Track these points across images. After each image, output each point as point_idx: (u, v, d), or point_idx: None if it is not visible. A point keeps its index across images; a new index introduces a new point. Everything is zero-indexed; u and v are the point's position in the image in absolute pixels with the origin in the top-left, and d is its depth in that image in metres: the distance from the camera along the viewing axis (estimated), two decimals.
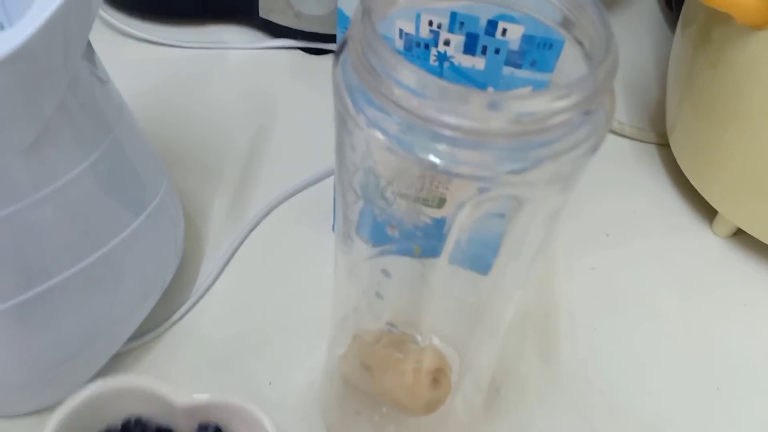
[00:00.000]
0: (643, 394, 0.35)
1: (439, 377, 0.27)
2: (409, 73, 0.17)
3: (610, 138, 0.47)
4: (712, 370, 0.36)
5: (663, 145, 0.46)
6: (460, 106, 0.17)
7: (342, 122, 0.20)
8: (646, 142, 0.47)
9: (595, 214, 0.42)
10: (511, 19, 0.26)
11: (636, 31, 0.55)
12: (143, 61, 0.48)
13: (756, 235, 0.39)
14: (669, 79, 0.42)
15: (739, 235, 0.41)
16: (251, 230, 0.39)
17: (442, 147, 0.18)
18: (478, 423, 0.33)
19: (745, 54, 0.34)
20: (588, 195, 0.43)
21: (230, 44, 0.50)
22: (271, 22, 0.49)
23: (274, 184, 0.41)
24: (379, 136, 0.18)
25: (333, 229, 0.39)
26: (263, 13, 0.48)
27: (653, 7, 0.57)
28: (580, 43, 0.21)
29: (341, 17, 0.30)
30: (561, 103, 0.17)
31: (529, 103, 0.17)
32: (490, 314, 0.31)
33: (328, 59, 0.48)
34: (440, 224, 0.25)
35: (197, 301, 0.36)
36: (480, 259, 0.27)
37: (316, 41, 0.49)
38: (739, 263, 0.41)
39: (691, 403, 0.34)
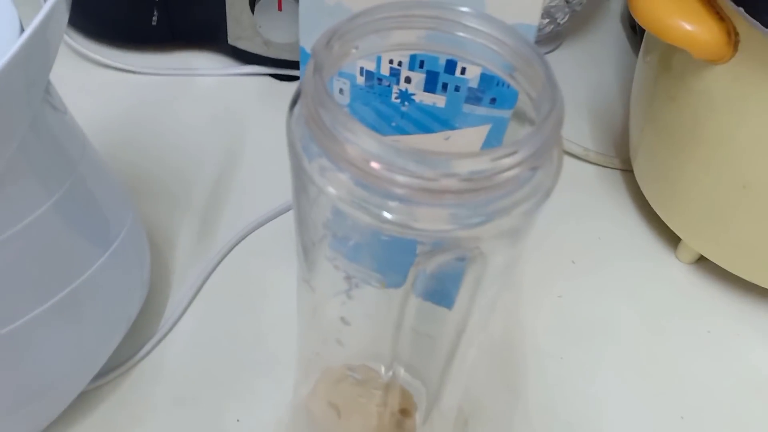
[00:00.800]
0: (608, 424, 0.35)
1: (404, 418, 0.27)
2: (360, 133, 0.17)
3: (576, 164, 0.48)
4: (677, 398, 0.36)
5: (628, 170, 0.46)
6: (411, 165, 0.17)
7: (296, 173, 0.20)
8: (611, 167, 0.47)
9: (561, 241, 0.43)
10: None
11: (601, 55, 0.56)
12: (111, 88, 0.48)
13: (718, 263, 0.40)
14: (631, 107, 0.43)
15: (703, 261, 0.42)
16: (219, 262, 0.39)
17: (393, 204, 0.18)
18: None
19: (702, 87, 0.34)
20: (554, 222, 0.44)
21: (199, 70, 0.50)
22: (239, 49, 0.49)
23: (243, 213, 0.41)
24: (332, 191, 0.19)
25: None
26: (232, 40, 0.48)
27: (618, 31, 0.58)
28: (529, 95, 0.21)
29: (303, 55, 0.30)
30: (508, 161, 0.17)
31: (477, 162, 0.17)
32: (456, 349, 0.31)
33: (296, 85, 0.48)
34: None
35: (164, 337, 0.36)
36: (444, 293, 0.27)
37: (285, 68, 0.49)
38: (703, 290, 0.41)
39: None
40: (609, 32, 0.57)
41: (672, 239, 0.43)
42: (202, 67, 0.50)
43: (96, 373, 0.32)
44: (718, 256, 0.40)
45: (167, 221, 0.41)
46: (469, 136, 0.29)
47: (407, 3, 0.20)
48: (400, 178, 0.17)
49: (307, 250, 0.24)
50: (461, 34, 0.21)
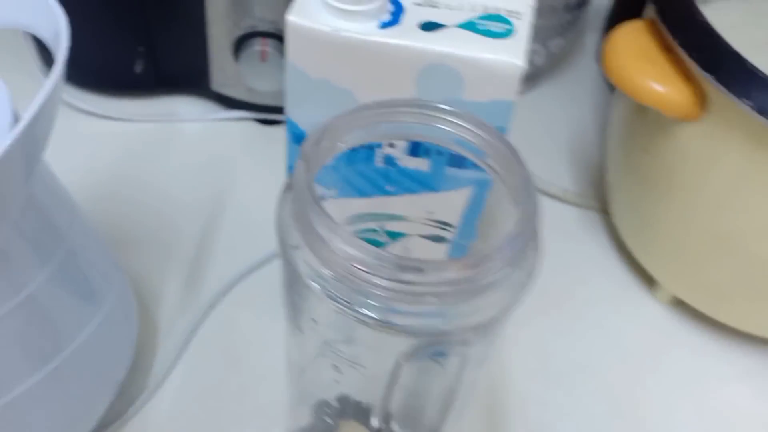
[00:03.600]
0: None
1: None
2: (342, 237, 0.18)
3: (554, 205, 0.49)
4: None
5: (606, 212, 0.48)
6: (390, 271, 0.18)
7: (284, 257, 0.21)
8: (589, 209, 0.48)
9: (541, 284, 0.44)
10: None
11: (578, 94, 0.57)
12: (94, 136, 0.48)
13: (693, 305, 0.41)
14: (607, 152, 0.44)
15: (682, 302, 0.43)
16: (206, 315, 0.40)
17: (373, 302, 0.19)
18: None
19: (673, 143, 0.36)
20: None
21: (184, 116, 0.50)
22: (223, 95, 0.49)
23: (231, 262, 0.42)
24: (315, 285, 0.19)
25: None
26: (216, 87, 0.49)
27: (594, 69, 0.59)
28: (504, 182, 0.22)
29: (290, 125, 0.31)
30: (486, 267, 0.18)
31: (453, 270, 0.18)
32: (447, 407, 0.31)
33: (281, 129, 0.49)
34: None
35: (152, 394, 0.36)
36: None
37: (270, 113, 0.50)
38: (682, 330, 0.42)
39: None
40: (585, 70, 0.59)
41: (651, 280, 0.44)
42: (187, 113, 0.50)
43: None
44: (693, 299, 0.41)
45: (153, 273, 0.41)
46: (451, 199, 0.30)
47: (391, 102, 0.21)
48: (380, 281, 0.18)
49: (295, 312, 0.24)
50: (441, 126, 0.22)
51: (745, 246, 0.35)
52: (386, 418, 0.30)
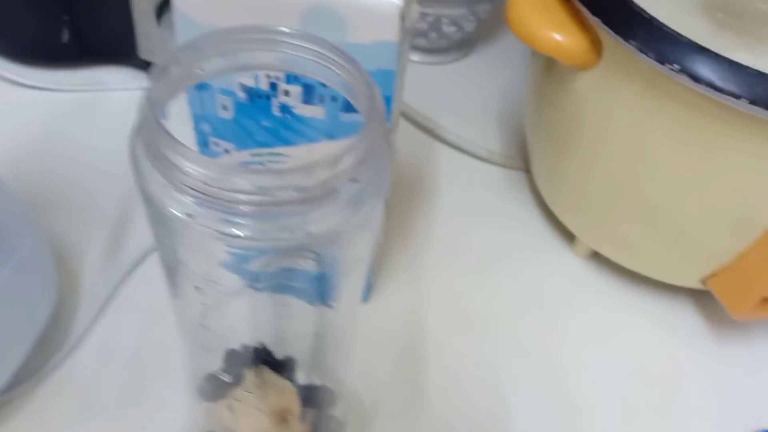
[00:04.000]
0: (506, 417, 0.37)
1: (288, 417, 0.28)
2: (192, 158, 0.19)
3: (480, 166, 0.50)
4: (573, 391, 0.38)
5: (529, 171, 0.49)
6: (241, 182, 0.19)
7: (144, 198, 0.21)
8: (514, 169, 0.49)
9: (463, 241, 0.45)
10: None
11: (510, 60, 0.58)
12: (21, 106, 0.48)
13: (608, 256, 0.42)
14: (525, 110, 0.45)
15: (598, 255, 0.44)
16: (127, 275, 0.40)
17: (237, 220, 0.20)
18: None
19: (574, 91, 0.37)
20: (457, 221, 0.46)
21: (111, 85, 0.50)
22: (151, 63, 0.50)
23: None
24: (178, 214, 0.20)
25: None
26: (143, 54, 0.49)
27: None
28: (352, 97, 0.23)
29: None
30: (335, 170, 0.19)
31: (305, 173, 0.19)
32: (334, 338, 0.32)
33: None
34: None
35: (72, 350, 0.37)
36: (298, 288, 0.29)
37: None
38: (598, 282, 0.44)
39: (550, 423, 0.37)
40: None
41: (570, 235, 0.45)
42: (114, 82, 0.50)
43: (2, 388, 0.33)
44: (607, 250, 0.42)
45: (77, 236, 0.42)
46: (333, 147, 0.31)
47: (244, 28, 0.21)
48: (239, 196, 0.19)
49: (169, 270, 0.25)
50: (288, 51, 0.22)
51: (645, 193, 0.36)
52: (290, 364, 0.31)
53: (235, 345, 0.30)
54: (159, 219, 0.21)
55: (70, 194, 0.44)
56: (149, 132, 0.19)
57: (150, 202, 0.21)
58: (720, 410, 0.38)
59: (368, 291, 0.41)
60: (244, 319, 0.27)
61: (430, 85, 0.55)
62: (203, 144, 0.33)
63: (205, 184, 0.19)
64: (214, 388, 0.31)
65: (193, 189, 0.19)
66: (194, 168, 0.19)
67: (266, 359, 0.30)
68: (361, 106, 0.22)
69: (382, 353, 0.39)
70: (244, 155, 0.33)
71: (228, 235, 0.19)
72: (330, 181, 0.19)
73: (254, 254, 0.22)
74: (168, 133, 0.19)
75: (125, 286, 0.40)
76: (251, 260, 0.22)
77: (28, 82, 0.49)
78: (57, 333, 0.37)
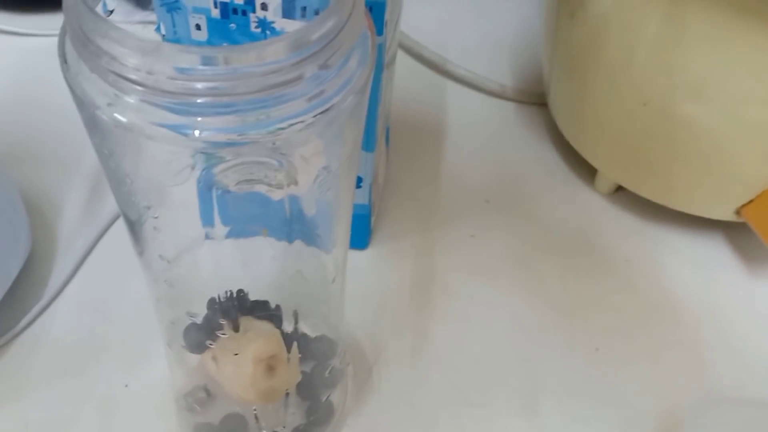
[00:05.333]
0: (519, 361, 0.34)
1: (274, 364, 0.25)
2: (128, 42, 0.16)
3: (492, 101, 0.46)
4: (591, 330, 0.35)
5: (544, 105, 0.45)
6: (190, 67, 0.15)
7: (78, 102, 0.18)
8: (528, 103, 0.46)
9: (475, 180, 0.41)
10: None
11: None
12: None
13: (635, 191, 0.38)
14: (540, 37, 0.41)
15: (621, 191, 0.40)
16: (106, 228, 0.37)
17: (188, 116, 0.16)
18: (348, 406, 0.31)
19: (594, 9, 0.33)
20: (467, 161, 0.42)
21: None
22: None
23: None
24: (118, 117, 0.17)
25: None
26: None
27: None
28: None
29: None
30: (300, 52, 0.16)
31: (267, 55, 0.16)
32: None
33: None
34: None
35: (49, 304, 0.34)
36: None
37: None
38: (622, 219, 0.40)
39: (568, 367, 0.33)
40: None
41: (589, 171, 0.41)
42: None
43: None
44: (632, 183, 0.38)
45: (54, 188, 0.39)
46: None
47: None
48: (180, 84, 0.16)
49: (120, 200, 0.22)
50: None
51: (675, 113, 0.32)
52: (276, 311, 0.28)
53: (215, 293, 0.27)
54: (96, 126, 0.18)
55: (48, 144, 0.41)
56: (77, 19, 0.16)
57: (83, 105, 0.18)
58: (756, 348, 0.35)
59: (368, 235, 0.37)
60: (211, 270, 0.24)
61: (436, 17, 0.51)
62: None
63: (147, 73, 0.16)
64: (196, 339, 0.28)
65: (131, 81, 0.16)
66: (132, 54, 0.16)
67: (249, 306, 0.27)
68: None
69: (384, 300, 0.35)
70: None
71: (180, 134, 0.16)
72: (295, 66, 0.16)
73: (209, 162, 0.18)
74: (98, 17, 0.16)
75: (104, 239, 0.37)
76: (207, 171, 0.19)
77: (4, 27, 0.46)
78: (31, 288, 0.34)
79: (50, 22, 0.47)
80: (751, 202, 0.34)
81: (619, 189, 0.40)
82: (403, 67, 0.46)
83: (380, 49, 0.29)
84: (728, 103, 0.31)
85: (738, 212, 0.35)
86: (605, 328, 0.35)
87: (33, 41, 0.46)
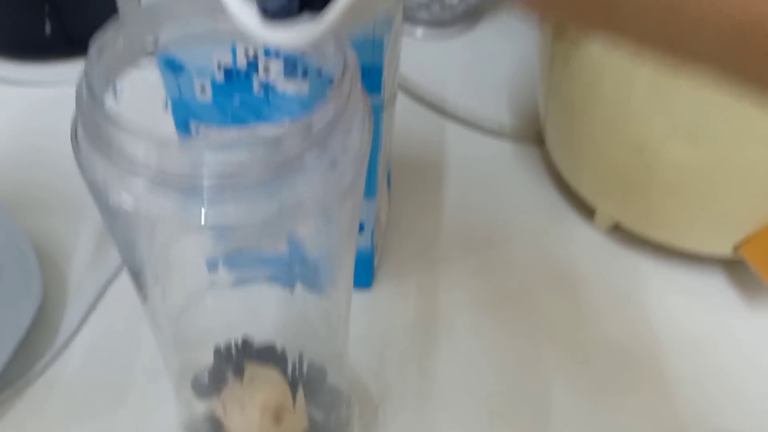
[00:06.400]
0: (524, 399, 0.34)
1: (281, 413, 0.26)
2: (138, 132, 0.17)
3: (489, 140, 0.47)
4: (595, 367, 0.35)
5: (542, 143, 0.46)
6: (197, 156, 0.16)
7: (91, 189, 0.19)
8: (527, 142, 0.47)
9: (476, 218, 0.42)
10: None
11: (520, 31, 0.55)
12: (6, 102, 0.47)
13: (633, 229, 0.39)
14: (538, 77, 0.42)
15: (621, 227, 0.41)
16: (116, 273, 0.38)
17: (196, 200, 0.17)
18: None
19: (589, 55, 0.34)
20: (467, 199, 0.43)
21: None
22: None
23: None
24: (127, 200, 0.18)
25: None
26: None
27: None
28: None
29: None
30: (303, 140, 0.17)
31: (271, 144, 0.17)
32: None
33: None
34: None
35: (60, 351, 0.35)
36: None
37: None
38: (622, 256, 0.41)
39: (574, 402, 0.34)
40: None
41: (588, 209, 0.42)
42: None
43: None
44: (630, 221, 0.39)
45: (64, 234, 0.40)
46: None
47: None
48: (188, 171, 0.17)
49: (131, 269, 0.23)
50: None
51: (671, 154, 0.33)
52: (281, 356, 0.29)
53: (221, 341, 0.27)
54: (110, 211, 0.19)
55: (57, 192, 0.42)
56: (89, 114, 0.17)
57: (93, 186, 0.18)
58: (756, 383, 0.35)
59: (372, 275, 0.38)
60: (217, 318, 0.25)
61: (434, 60, 0.52)
62: (183, 129, 0.31)
63: (156, 163, 0.17)
64: (204, 388, 0.28)
65: (142, 169, 0.17)
66: (141, 146, 0.17)
67: (254, 353, 0.28)
68: (331, 68, 0.19)
69: (389, 339, 0.36)
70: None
71: (187, 218, 0.17)
72: (298, 152, 0.17)
73: (216, 239, 0.19)
74: (109, 113, 0.17)
75: (114, 284, 0.38)
76: (214, 246, 0.19)
77: (11, 78, 0.47)
78: (44, 333, 0.35)
79: (57, 73, 0.48)
80: (748, 240, 0.35)
81: (618, 226, 0.41)
82: (403, 107, 0.48)
83: (377, 110, 0.30)
84: (722, 144, 0.32)
85: (736, 250, 0.36)
86: (608, 364, 0.36)
87: (40, 91, 0.47)
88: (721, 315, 0.38)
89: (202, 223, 0.17)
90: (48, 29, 0.46)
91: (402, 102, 0.48)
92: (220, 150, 0.17)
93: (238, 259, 0.24)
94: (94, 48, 0.19)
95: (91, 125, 0.18)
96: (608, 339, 0.37)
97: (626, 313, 0.38)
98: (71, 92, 0.52)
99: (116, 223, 0.20)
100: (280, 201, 0.18)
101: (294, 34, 0.17)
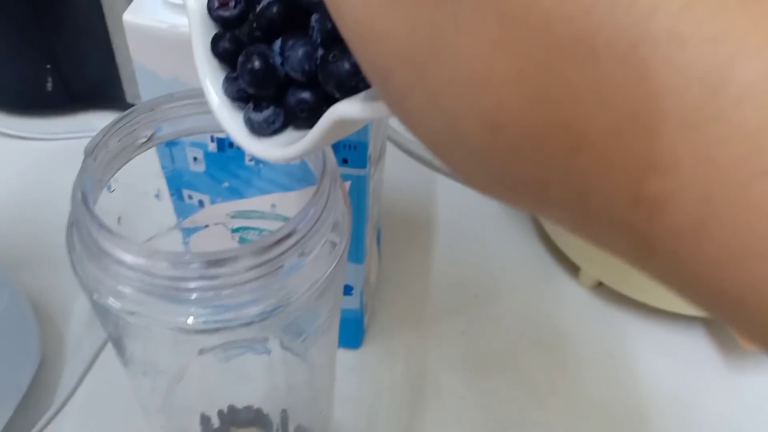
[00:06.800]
0: None
1: None
2: (127, 247, 0.18)
3: (478, 195, 0.48)
4: (580, 428, 0.36)
5: None
6: (183, 269, 0.17)
7: (85, 290, 0.20)
8: None
9: (464, 275, 0.43)
10: None
11: None
12: (9, 156, 0.48)
13: (615, 288, 0.40)
14: None
15: (605, 285, 0.42)
16: None
17: (182, 307, 0.18)
18: None
19: None
20: (456, 255, 0.44)
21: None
22: None
23: None
24: (116, 306, 0.19)
25: None
26: (130, 99, 0.49)
27: None
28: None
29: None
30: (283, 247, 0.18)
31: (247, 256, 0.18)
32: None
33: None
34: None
35: (58, 411, 0.36)
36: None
37: None
38: (605, 313, 0.42)
39: None
40: None
41: (573, 266, 0.43)
42: (100, 128, 0.50)
43: None
44: (612, 280, 0.40)
45: (61, 292, 0.41)
46: (297, 199, 0.29)
47: (187, 92, 0.20)
48: (189, 283, 0.18)
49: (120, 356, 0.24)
50: None
51: None
52: (266, 422, 0.30)
53: (206, 407, 0.28)
54: (99, 309, 0.20)
55: (55, 248, 0.43)
56: (81, 219, 0.18)
57: (85, 287, 0.20)
58: None
59: (362, 335, 0.39)
60: (201, 387, 0.26)
61: None
62: (177, 197, 0.32)
63: (145, 273, 0.18)
64: None
65: (130, 279, 0.18)
66: (131, 257, 0.18)
67: (239, 418, 0.29)
68: (312, 163, 0.20)
69: (377, 400, 0.37)
70: (221, 213, 0.31)
71: (173, 324, 0.18)
72: (280, 256, 0.18)
73: (202, 338, 0.20)
74: (100, 222, 0.18)
75: (110, 345, 0.38)
76: (200, 342, 0.21)
77: (13, 132, 0.49)
78: (41, 394, 0.36)
79: (57, 126, 0.50)
80: None
81: (602, 283, 0.42)
82: (393, 159, 0.49)
83: (363, 180, 0.31)
84: None
85: None
86: (593, 426, 0.37)
87: (38, 145, 0.49)
88: (702, 374, 0.39)
89: (188, 327, 0.19)
90: (50, 85, 0.48)
91: (391, 154, 0.49)
92: (206, 264, 0.18)
93: (222, 348, 0.25)
94: (88, 152, 0.20)
95: (84, 230, 0.19)
96: (592, 399, 0.38)
97: (610, 372, 0.39)
98: (70, 145, 0.53)
99: (103, 317, 0.21)
100: (264, 303, 0.19)
101: (277, 149, 0.18)
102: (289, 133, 0.19)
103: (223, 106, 0.18)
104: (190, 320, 0.18)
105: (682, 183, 0.11)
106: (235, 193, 0.31)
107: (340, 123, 0.16)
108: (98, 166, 0.20)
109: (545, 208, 0.13)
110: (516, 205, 0.14)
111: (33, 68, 0.47)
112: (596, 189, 0.12)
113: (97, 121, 0.50)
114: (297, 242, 0.18)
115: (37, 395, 0.36)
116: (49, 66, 0.47)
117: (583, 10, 0.10)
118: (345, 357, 0.38)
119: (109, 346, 0.38)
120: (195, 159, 0.30)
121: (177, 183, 0.32)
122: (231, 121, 0.19)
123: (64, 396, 0.36)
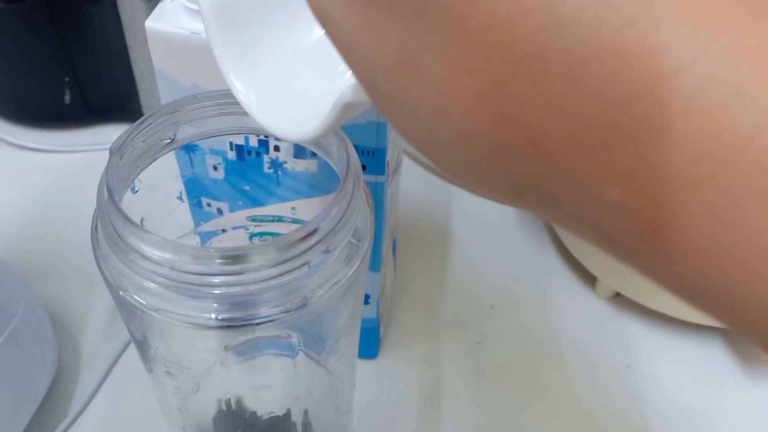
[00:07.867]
0: None
1: None
2: (153, 242, 0.18)
3: (494, 206, 0.48)
4: None
5: None
6: (207, 265, 0.17)
7: (108, 284, 0.20)
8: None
9: (480, 286, 0.43)
10: None
11: None
12: (28, 169, 0.48)
13: (633, 298, 0.40)
14: None
15: (622, 296, 0.42)
16: (130, 341, 0.39)
17: (205, 304, 0.18)
18: None
19: None
20: (472, 266, 0.44)
21: None
22: None
23: None
24: (141, 301, 0.19)
25: None
26: (146, 111, 0.49)
27: None
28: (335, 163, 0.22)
29: None
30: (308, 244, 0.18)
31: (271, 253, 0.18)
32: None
33: None
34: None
35: (74, 420, 0.36)
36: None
37: None
38: (622, 324, 0.41)
39: None
40: None
41: (590, 276, 0.43)
42: None
43: None
44: (629, 291, 0.40)
45: (79, 302, 0.41)
46: (315, 206, 0.29)
47: (212, 93, 0.20)
48: (210, 279, 0.18)
49: (142, 355, 0.24)
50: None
51: None
52: (304, 428, 0.30)
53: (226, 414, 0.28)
54: (124, 305, 0.20)
55: (72, 260, 0.43)
56: (108, 216, 0.18)
57: (110, 285, 0.20)
58: None
59: (378, 345, 0.39)
60: (222, 391, 0.26)
61: None
62: (196, 205, 0.32)
63: (170, 269, 0.18)
64: None
65: (156, 274, 0.18)
66: (157, 252, 0.18)
67: (259, 426, 0.29)
68: (336, 161, 0.20)
69: (393, 410, 0.37)
70: (240, 218, 0.32)
71: (197, 319, 0.18)
72: (303, 254, 0.18)
73: (226, 335, 0.20)
74: (127, 219, 0.18)
75: (127, 352, 0.39)
76: (224, 339, 0.21)
77: (31, 145, 0.49)
78: (58, 404, 0.36)
79: (75, 139, 0.50)
80: None
81: (620, 294, 0.42)
82: (408, 172, 0.49)
83: (381, 187, 0.31)
84: None
85: None
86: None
87: (55, 157, 0.49)
88: (721, 385, 0.38)
89: (212, 323, 0.19)
90: (68, 98, 0.48)
91: (407, 166, 0.50)
92: (231, 259, 0.18)
93: (246, 346, 0.25)
94: (114, 151, 0.20)
95: (110, 226, 0.19)
96: (610, 411, 0.37)
97: (628, 384, 0.38)
98: (88, 158, 0.54)
99: (128, 314, 0.21)
100: (288, 299, 0.19)
101: (295, 128, 0.18)
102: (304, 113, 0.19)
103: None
104: (214, 316, 0.18)
105: (636, 190, 0.11)
106: (255, 202, 0.31)
107: (351, 106, 0.16)
108: (124, 165, 0.20)
109: (526, 207, 0.14)
110: (501, 202, 0.15)
111: (51, 81, 0.47)
112: (564, 196, 0.12)
113: (114, 133, 0.50)
114: (321, 239, 0.18)
115: (53, 405, 0.36)
116: (67, 79, 0.47)
117: (534, 30, 0.11)
118: (361, 367, 0.38)
119: (125, 355, 0.38)
120: (215, 167, 0.30)
121: (196, 191, 0.32)
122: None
123: (79, 406, 0.36)
